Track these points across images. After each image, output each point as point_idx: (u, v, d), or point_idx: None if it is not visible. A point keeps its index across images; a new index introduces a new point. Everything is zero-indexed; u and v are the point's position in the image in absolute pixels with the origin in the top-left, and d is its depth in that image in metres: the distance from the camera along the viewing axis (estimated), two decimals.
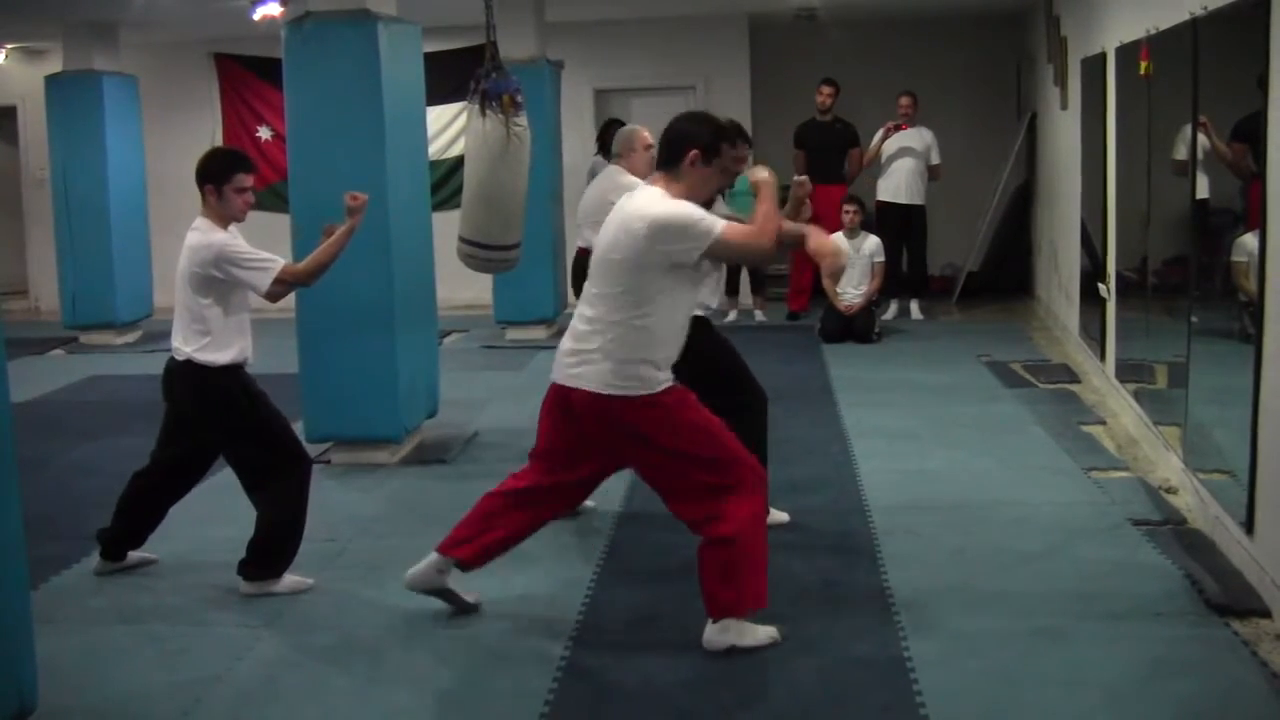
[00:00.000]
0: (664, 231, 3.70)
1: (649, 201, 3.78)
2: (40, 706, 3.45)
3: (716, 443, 3.84)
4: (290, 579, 4.53)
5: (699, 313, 4.98)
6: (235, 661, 3.92)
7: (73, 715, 3.60)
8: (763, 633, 3.88)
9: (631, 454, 3.92)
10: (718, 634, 3.84)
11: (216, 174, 4.39)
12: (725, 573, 3.80)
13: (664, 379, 3.81)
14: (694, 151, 3.83)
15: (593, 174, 8.38)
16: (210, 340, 4.41)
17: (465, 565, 4.09)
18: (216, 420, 4.49)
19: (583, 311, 3.89)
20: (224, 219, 4.42)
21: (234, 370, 4.47)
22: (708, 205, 3.97)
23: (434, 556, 4.09)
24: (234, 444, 4.51)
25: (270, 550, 4.49)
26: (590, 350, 3.79)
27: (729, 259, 4.14)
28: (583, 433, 3.89)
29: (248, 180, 4.42)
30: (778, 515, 5.06)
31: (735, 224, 3.89)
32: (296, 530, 4.53)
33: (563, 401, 3.88)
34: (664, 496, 3.94)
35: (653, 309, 3.75)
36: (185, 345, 4.44)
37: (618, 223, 3.82)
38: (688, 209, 3.75)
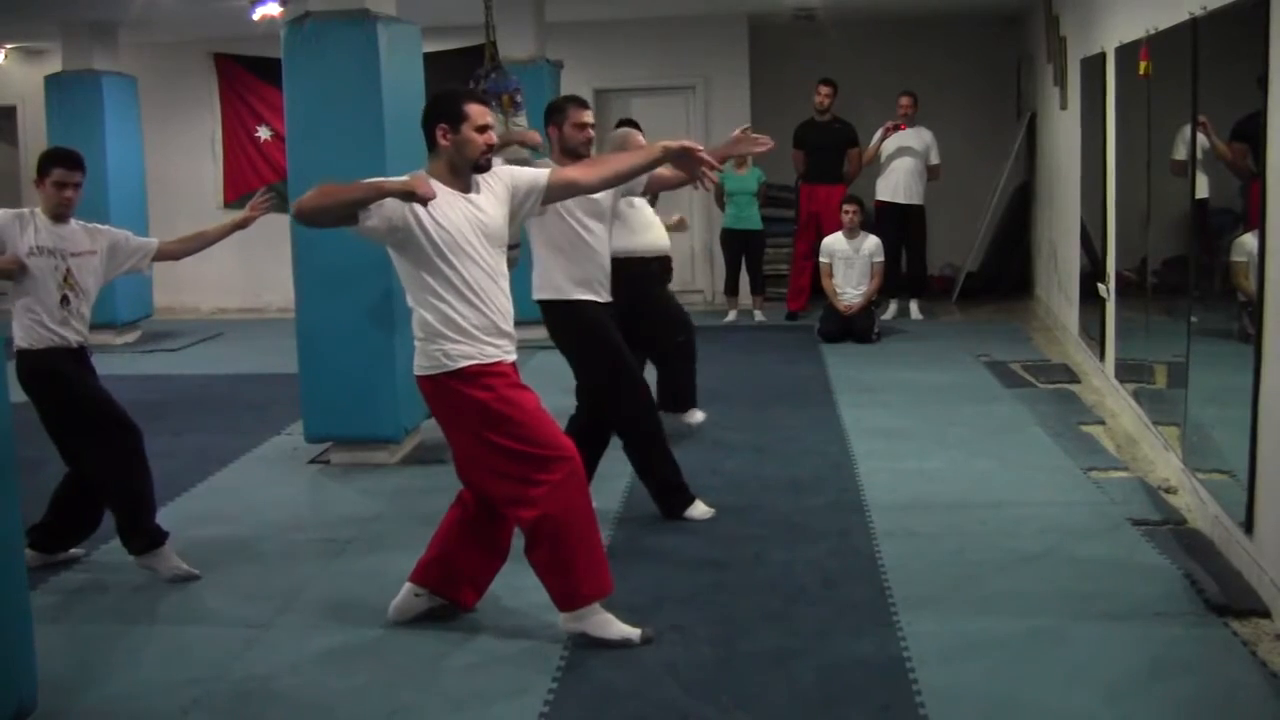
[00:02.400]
0: None
1: None
2: (39, 707, 3.46)
3: (526, 432, 3.81)
4: (176, 562, 4.65)
5: (590, 297, 4.98)
6: (235, 661, 3.92)
7: (72, 715, 3.59)
8: (621, 630, 3.90)
9: (450, 435, 3.94)
10: (570, 620, 3.91)
11: (40, 170, 4.66)
12: (554, 565, 3.85)
13: (461, 356, 3.80)
14: (442, 126, 3.86)
15: None
16: (14, 325, 4.59)
17: (464, 606, 4.16)
18: (36, 404, 4.63)
19: None
20: (49, 211, 4.64)
21: (28, 355, 4.57)
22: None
23: (408, 586, 4.17)
24: (52, 424, 4.64)
25: (121, 520, 4.64)
26: (414, 337, 3.92)
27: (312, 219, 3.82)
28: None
29: (68, 176, 4.63)
30: (701, 509, 5.19)
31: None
32: (134, 496, 4.64)
33: None
34: (473, 479, 3.96)
35: (417, 289, 3.83)
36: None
37: None
38: None
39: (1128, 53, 6.23)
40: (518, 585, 4.26)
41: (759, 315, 10.53)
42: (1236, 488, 4.39)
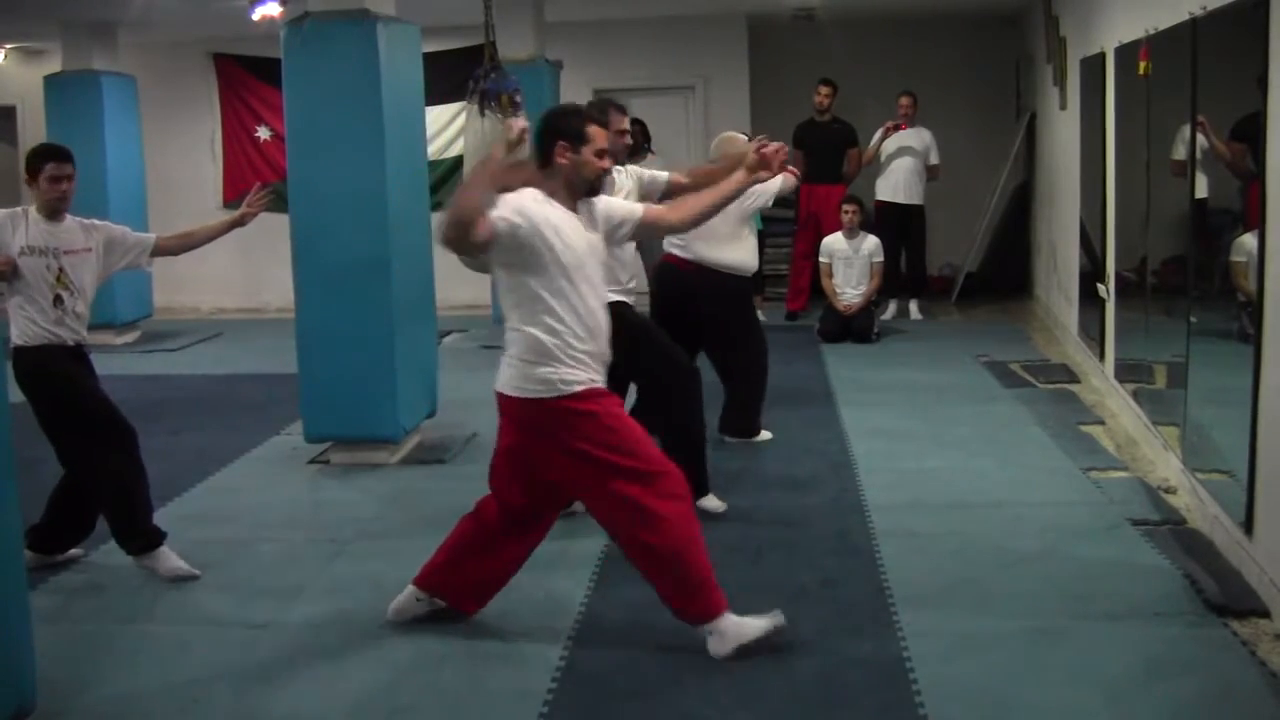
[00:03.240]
0: None
1: None
2: (39, 707, 3.46)
3: (636, 450, 3.77)
4: (175, 562, 4.64)
5: (618, 297, 5.00)
6: (235, 661, 3.92)
7: (72, 715, 3.59)
8: (756, 625, 3.85)
9: (549, 460, 3.83)
10: (716, 643, 3.81)
11: (30, 167, 4.65)
12: (677, 586, 3.80)
13: (575, 381, 3.73)
14: (562, 143, 3.79)
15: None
16: (11, 323, 4.58)
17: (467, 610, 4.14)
18: (31, 402, 4.61)
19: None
20: (44, 207, 4.63)
21: (24, 352, 4.57)
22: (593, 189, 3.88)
23: (409, 589, 4.15)
24: (48, 423, 4.62)
25: (117, 521, 4.64)
26: (507, 354, 3.82)
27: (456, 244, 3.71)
28: (513, 441, 3.88)
29: (58, 170, 4.62)
30: (714, 503, 5.18)
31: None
32: (128, 497, 4.63)
33: (498, 406, 3.89)
34: (586, 504, 3.95)
35: (531, 310, 3.73)
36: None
37: None
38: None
39: (1127, 53, 6.23)
40: (518, 585, 4.25)
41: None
42: (1236, 488, 4.39)
